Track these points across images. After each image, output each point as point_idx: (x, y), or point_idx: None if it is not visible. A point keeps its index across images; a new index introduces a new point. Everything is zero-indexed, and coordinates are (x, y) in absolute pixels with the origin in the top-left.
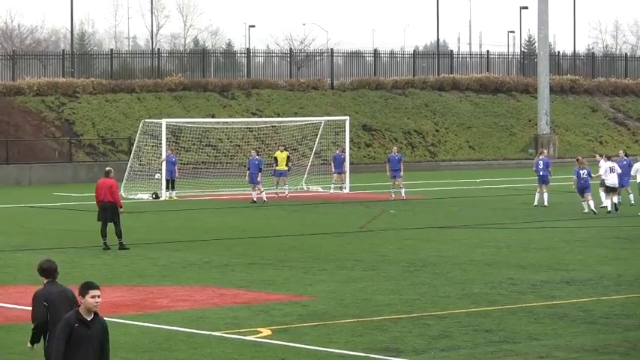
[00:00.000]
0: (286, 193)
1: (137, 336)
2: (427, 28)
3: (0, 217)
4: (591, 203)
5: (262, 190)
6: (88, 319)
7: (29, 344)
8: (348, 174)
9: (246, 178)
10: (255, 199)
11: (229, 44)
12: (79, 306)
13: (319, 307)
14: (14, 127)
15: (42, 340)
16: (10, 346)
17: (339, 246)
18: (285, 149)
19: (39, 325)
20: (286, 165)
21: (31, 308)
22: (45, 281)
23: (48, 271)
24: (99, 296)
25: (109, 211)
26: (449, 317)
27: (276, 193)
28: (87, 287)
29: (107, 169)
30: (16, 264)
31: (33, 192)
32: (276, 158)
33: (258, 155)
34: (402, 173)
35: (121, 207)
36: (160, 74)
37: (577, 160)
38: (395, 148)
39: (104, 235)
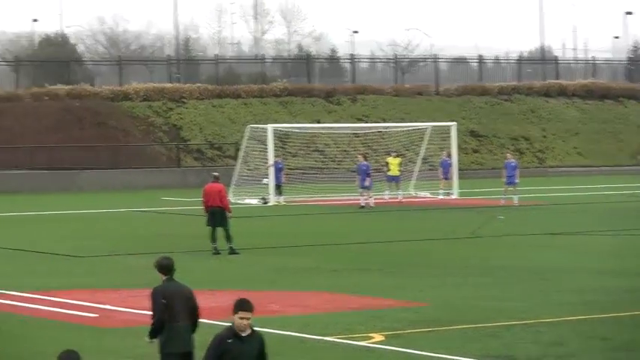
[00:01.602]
0: (400, 197)
1: None
2: (531, 33)
3: (110, 221)
4: None
5: (371, 195)
6: (243, 335)
7: (148, 337)
8: (456, 180)
9: (357, 182)
10: (363, 205)
11: (333, 50)
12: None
13: (431, 312)
14: (123, 133)
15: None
16: (124, 350)
17: (449, 252)
18: (398, 155)
19: (160, 322)
20: (399, 170)
21: (150, 307)
22: (163, 278)
23: (166, 267)
24: (248, 318)
25: (218, 216)
26: (562, 324)
27: (383, 198)
28: (238, 307)
29: (215, 174)
30: (128, 268)
31: (141, 197)
32: (387, 163)
33: (365, 160)
34: (517, 180)
35: (230, 212)
36: (265, 80)
37: None
38: (509, 154)
39: (214, 239)
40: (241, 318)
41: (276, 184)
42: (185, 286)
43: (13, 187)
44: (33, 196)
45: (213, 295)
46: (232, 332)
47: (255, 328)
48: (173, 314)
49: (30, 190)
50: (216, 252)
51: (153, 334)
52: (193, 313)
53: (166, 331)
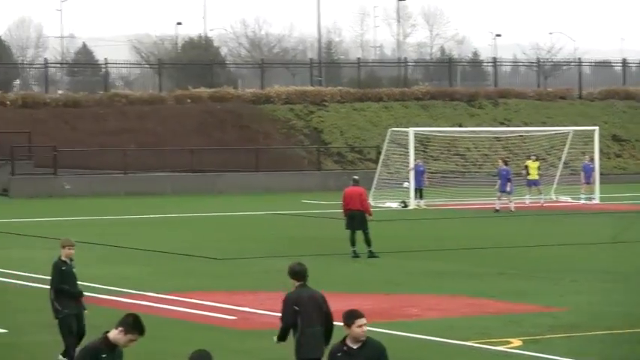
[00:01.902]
0: (542, 202)
1: (387, 345)
2: None
3: (250, 223)
4: None
5: (511, 200)
6: (354, 347)
7: (275, 338)
8: (597, 184)
9: (497, 187)
10: (498, 209)
11: (475, 53)
12: (345, 337)
13: (570, 318)
14: (264, 135)
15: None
16: (262, 352)
17: (590, 257)
18: (537, 159)
19: (286, 328)
20: (538, 174)
21: (280, 312)
22: (296, 284)
23: (299, 274)
24: (365, 324)
25: (358, 219)
26: None
27: (524, 203)
28: (353, 317)
29: (355, 177)
30: (267, 270)
31: (282, 199)
32: (527, 167)
33: (506, 165)
34: None
35: (370, 215)
36: (407, 83)
37: None
38: None
39: (353, 243)
40: (359, 326)
41: (417, 188)
42: (317, 292)
43: (156, 189)
44: (175, 198)
45: (352, 298)
46: (342, 346)
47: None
48: (306, 321)
49: (172, 192)
50: (356, 255)
51: (281, 338)
52: (327, 318)
53: (300, 338)
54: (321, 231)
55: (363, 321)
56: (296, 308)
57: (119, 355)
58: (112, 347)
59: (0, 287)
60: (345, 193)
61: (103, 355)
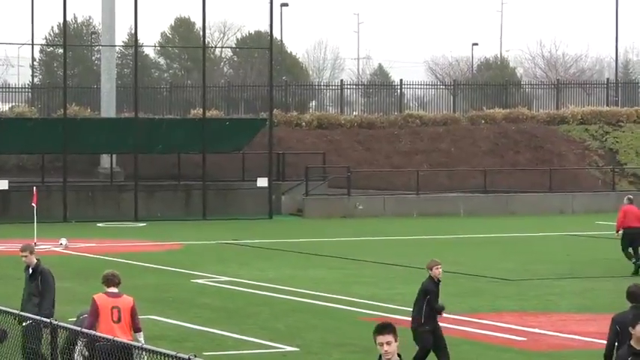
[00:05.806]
0: None
1: None
2: None
3: (544, 245)
4: None
5: None
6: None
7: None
8: None
9: None
10: None
11: None
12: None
13: None
14: (558, 156)
15: None
16: None
17: None
18: None
19: (607, 348)
20: None
21: None
22: (630, 305)
23: (632, 295)
24: None
25: (635, 236)
26: None
27: None
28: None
29: (629, 196)
30: (560, 292)
31: (576, 220)
32: None
33: None
34: None
35: None
36: None
37: None
38: None
39: (629, 257)
40: None
41: None
42: None
43: (448, 209)
44: (467, 218)
45: None
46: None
47: None
48: (621, 343)
49: (465, 212)
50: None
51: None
52: None
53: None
54: (615, 253)
55: None
56: (617, 329)
57: None
58: None
59: (294, 306)
60: (624, 211)
61: None
